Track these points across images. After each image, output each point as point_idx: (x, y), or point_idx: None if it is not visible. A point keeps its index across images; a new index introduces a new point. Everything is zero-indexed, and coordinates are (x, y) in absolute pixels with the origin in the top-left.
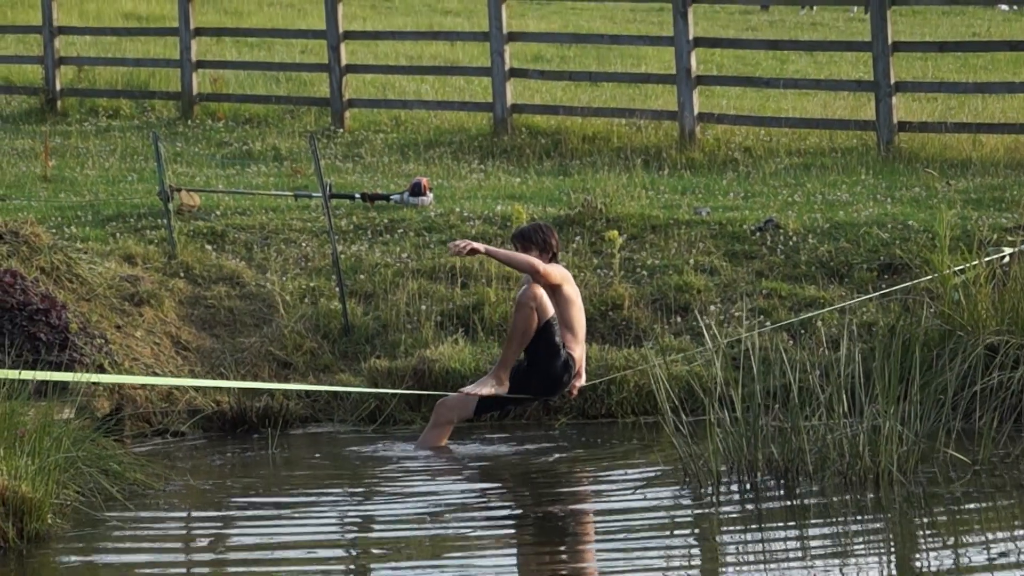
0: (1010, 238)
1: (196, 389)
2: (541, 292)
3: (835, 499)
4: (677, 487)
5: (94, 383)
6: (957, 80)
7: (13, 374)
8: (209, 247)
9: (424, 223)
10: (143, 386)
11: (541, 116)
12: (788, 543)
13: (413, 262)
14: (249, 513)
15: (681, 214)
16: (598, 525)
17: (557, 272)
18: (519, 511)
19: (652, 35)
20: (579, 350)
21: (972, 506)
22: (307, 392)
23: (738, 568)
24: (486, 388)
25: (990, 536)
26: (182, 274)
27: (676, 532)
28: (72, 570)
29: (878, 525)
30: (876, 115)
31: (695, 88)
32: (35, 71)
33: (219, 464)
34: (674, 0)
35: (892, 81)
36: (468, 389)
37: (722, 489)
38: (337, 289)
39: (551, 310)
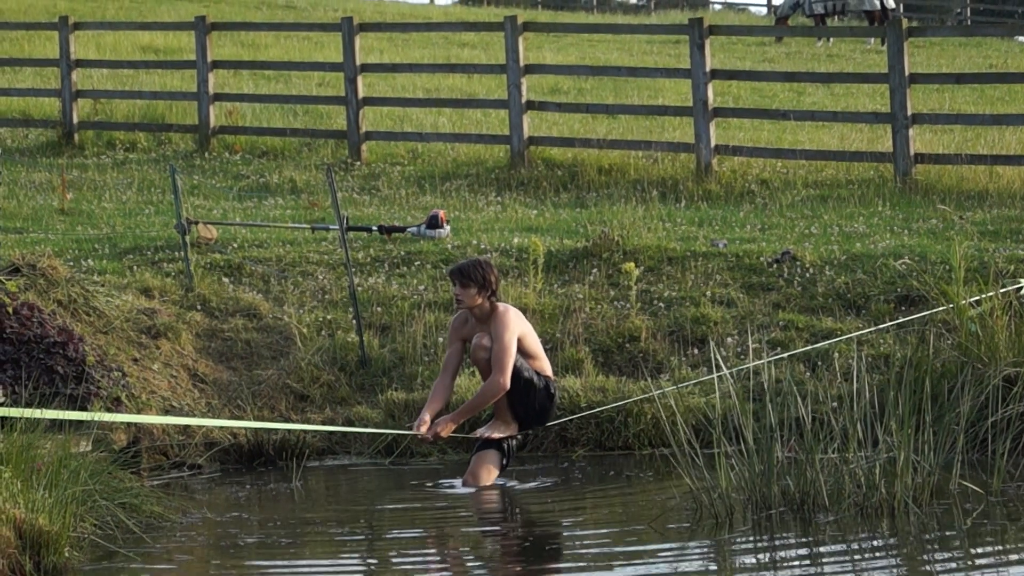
0: None
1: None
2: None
3: (850, 531)
4: (691, 520)
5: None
6: (974, 112)
7: (28, 412)
8: (226, 280)
9: (441, 255)
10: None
11: (558, 148)
12: None
13: (430, 294)
14: (266, 547)
15: (698, 246)
16: (611, 560)
17: (513, 351)
18: (531, 543)
19: (669, 67)
20: (548, 364)
21: (987, 538)
22: (323, 424)
23: None
24: (497, 433)
25: (1005, 568)
26: (199, 307)
27: (690, 566)
28: None
29: (894, 557)
30: (893, 147)
31: (712, 120)
32: (52, 104)
33: (236, 497)
34: (691, 32)
35: (909, 113)
36: (481, 432)
37: (737, 522)
38: (354, 321)
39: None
